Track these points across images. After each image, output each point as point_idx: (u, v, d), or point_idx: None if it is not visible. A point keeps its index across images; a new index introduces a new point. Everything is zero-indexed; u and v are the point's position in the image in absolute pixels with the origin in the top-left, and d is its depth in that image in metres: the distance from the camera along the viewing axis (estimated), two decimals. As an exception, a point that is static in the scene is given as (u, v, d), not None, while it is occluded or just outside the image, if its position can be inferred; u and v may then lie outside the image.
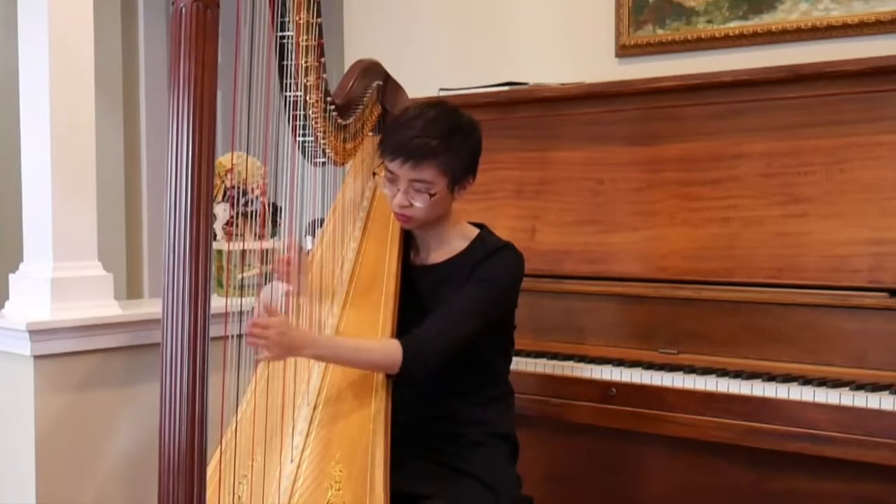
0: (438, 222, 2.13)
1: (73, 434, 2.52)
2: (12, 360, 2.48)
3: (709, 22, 3.09)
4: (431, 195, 2.05)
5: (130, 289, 4.73)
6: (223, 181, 2.87)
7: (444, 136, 2.03)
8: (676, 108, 2.68)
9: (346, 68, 2.35)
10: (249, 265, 2.83)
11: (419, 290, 2.17)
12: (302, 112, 2.02)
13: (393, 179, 2.07)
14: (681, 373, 2.40)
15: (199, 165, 1.29)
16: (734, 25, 3.04)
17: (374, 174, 2.10)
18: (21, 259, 2.61)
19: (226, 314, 1.77)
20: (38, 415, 2.45)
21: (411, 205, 2.06)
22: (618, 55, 3.26)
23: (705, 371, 2.39)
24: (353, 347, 2.01)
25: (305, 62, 1.97)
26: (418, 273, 2.18)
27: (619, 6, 3.24)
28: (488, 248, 2.13)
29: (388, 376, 2.02)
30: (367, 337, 2.06)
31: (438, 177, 2.04)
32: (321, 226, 2.29)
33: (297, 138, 2.05)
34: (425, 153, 2.02)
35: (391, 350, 1.99)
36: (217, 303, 1.72)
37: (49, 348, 2.45)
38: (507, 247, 2.14)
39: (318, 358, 2.03)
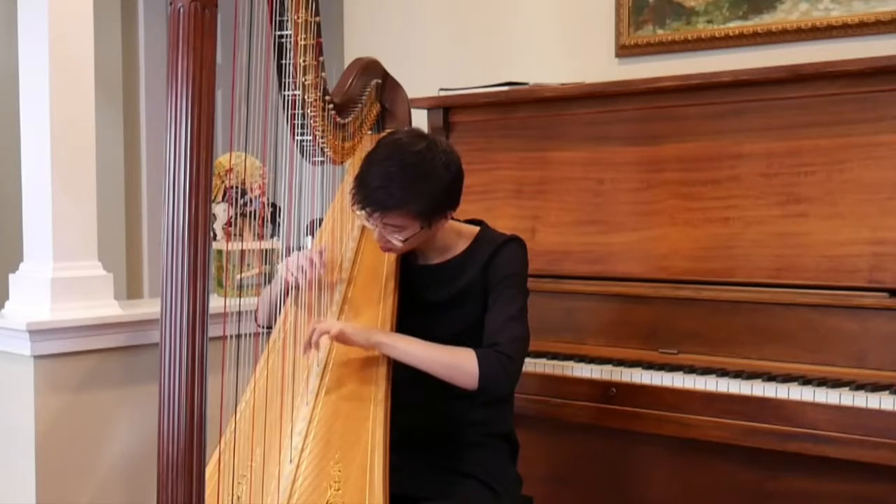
0: (431, 237, 2.12)
1: (72, 434, 2.52)
2: (12, 360, 2.48)
3: (709, 22, 3.09)
4: (406, 238, 2.04)
5: (130, 289, 4.73)
6: (223, 181, 2.87)
7: (409, 186, 1.97)
8: (676, 108, 2.68)
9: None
10: (249, 265, 2.84)
11: (422, 289, 2.16)
12: (300, 111, 2.01)
13: (368, 219, 2.05)
14: (681, 373, 2.39)
15: (198, 165, 1.29)
16: (734, 25, 3.04)
17: (353, 210, 2.08)
18: (21, 259, 2.61)
19: (224, 314, 1.77)
20: (38, 415, 2.45)
21: (390, 241, 2.05)
22: (618, 55, 3.26)
23: (705, 371, 2.39)
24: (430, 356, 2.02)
25: (304, 61, 1.97)
26: (420, 272, 2.18)
27: (619, 6, 3.24)
28: (493, 243, 2.13)
29: (388, 377, 2.02)
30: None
31: (409, 221, 2.01)
32: (320, 226, 2.29)
33: (296, 137, 2.05)
34: (390, 205, 1.98)
35: (469, 365, 1.99)
36: (216, 303, 1.72)
37: (49, 348, 2.45)
38: (511, 239, 2.14)
39: (387, 348, 2.03)
